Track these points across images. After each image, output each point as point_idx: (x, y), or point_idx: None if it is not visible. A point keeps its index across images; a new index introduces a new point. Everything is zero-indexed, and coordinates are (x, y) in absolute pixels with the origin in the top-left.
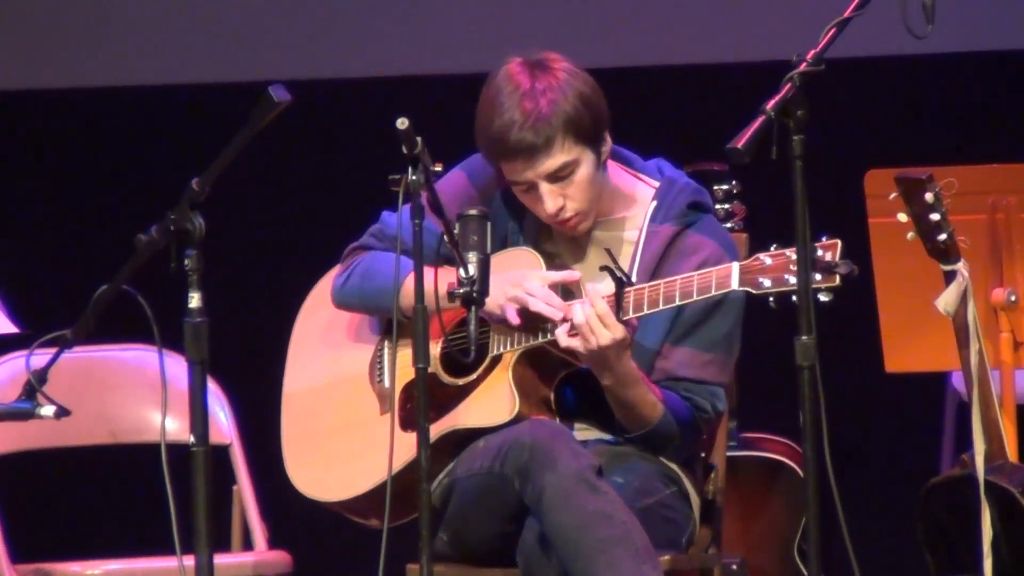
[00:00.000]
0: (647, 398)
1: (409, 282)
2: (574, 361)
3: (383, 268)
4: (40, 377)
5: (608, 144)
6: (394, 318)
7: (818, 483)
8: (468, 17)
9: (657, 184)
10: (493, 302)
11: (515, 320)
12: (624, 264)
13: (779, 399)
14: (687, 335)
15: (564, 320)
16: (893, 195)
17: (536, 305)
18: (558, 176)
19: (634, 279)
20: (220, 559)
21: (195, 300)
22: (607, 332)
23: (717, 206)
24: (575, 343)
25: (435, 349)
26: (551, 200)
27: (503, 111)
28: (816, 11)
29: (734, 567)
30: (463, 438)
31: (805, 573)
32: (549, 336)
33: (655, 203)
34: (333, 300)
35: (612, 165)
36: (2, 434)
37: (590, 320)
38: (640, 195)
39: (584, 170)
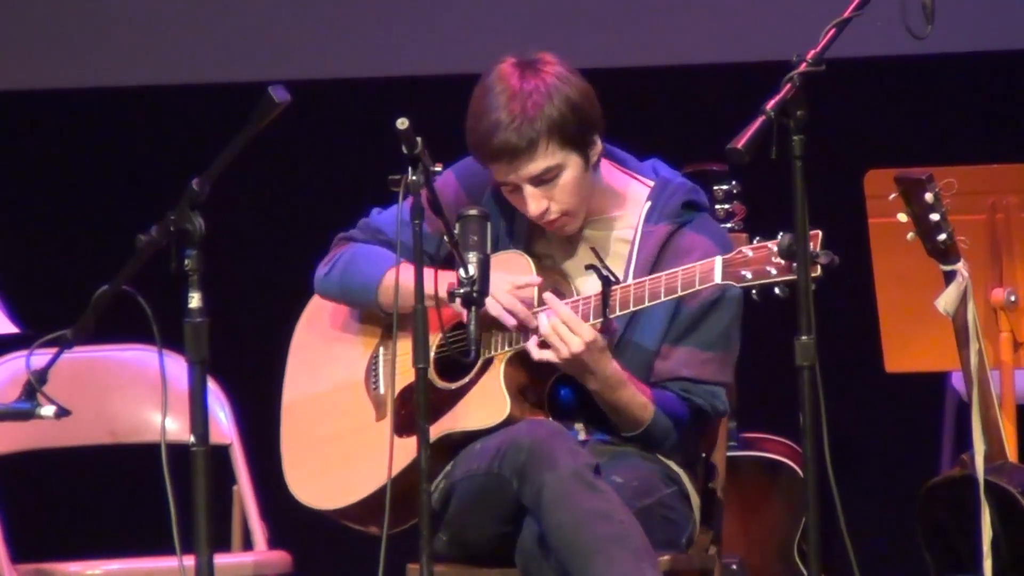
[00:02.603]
0: (636, 400)
1: (390, 277)
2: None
3: (364, 263)
4: (40, 377)
5: (598, 147)
6: (395, 324)
7: (818, 483)
8: (468, 17)
9: (651, 184)
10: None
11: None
12: (619, 264)
13: (779, 399)
14: (685, 335)
15: (523, 327)
16: (893, 195)
17: (495, 310)
18: (542, 180)
19: (630, 279)
20: (220, 559)
21: (195, 300)
22: (576, 337)
23: (717, 206)
24: (547, 354)
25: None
26: (534, 203)
27: (489, 112)
28: (816, 11)
29: (734, 567)
30: (458, 441)
31: (805, 573)
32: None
33: (649, 203)
34: (315, 288)
35: (605, 164)
36: (2, 434)
37: (556, 328)
38: (633, 194)
39: (569, 174)
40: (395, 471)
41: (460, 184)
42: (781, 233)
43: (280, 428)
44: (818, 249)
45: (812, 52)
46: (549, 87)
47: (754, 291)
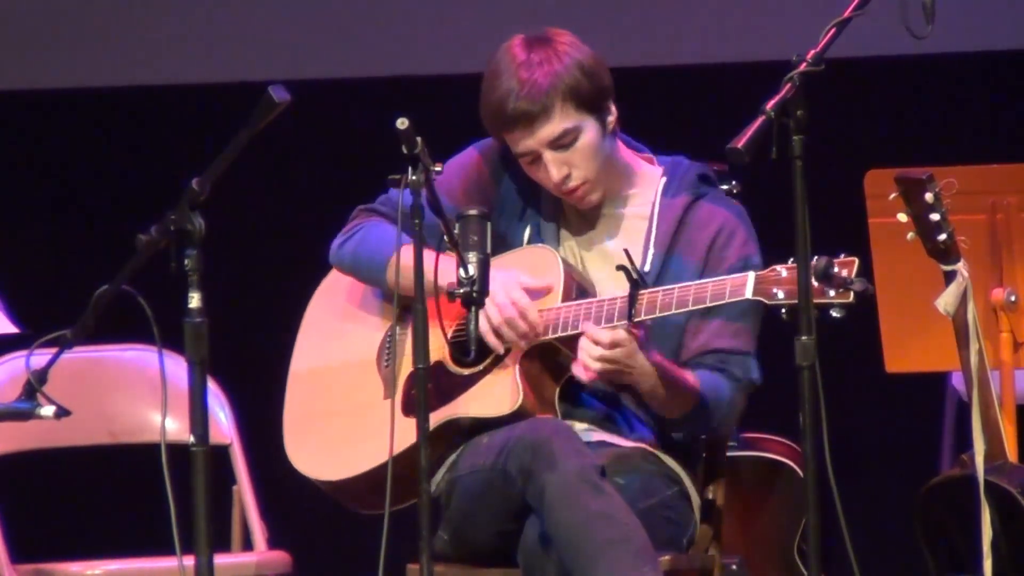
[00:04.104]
0: (680, 384)
1: (402, 255)
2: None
3: (379, 240)
4: (40, 377)
5: (613, 115)
6: (395, 304)
7: (818, 483)
8: (468, 17)
9: (662, 166)
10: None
11: (493, 341)
12: (637, 239)
13: (779, 399)
14: (714, 308)
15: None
16: (893, 195)
17: (500, 329)
18: (560, 144)
19: (650, 251)
20: (220, 559)
21: (195, 300)
22: (597, 364)
23: None
24: (591, 375)
25: (444, 340)
26: (555, 168)
27: (502, 82)
28: (816, 11)
29: (734, 567)
30: (464, 427)
31: (805, 573)
32: (559, 332)
33: (665, 178)
34: (330, 259)
35: (619, 144)
36: (2, 434)
37: (600, 358)
38: (647, 173)
39: (587, 138)
40: (397, 450)
41: (483, 158)
42: (816, 256)
43: (284, 395)
44: (854, 276)
45: (812, 52)
46: (560, 54)
47: (783, 310)
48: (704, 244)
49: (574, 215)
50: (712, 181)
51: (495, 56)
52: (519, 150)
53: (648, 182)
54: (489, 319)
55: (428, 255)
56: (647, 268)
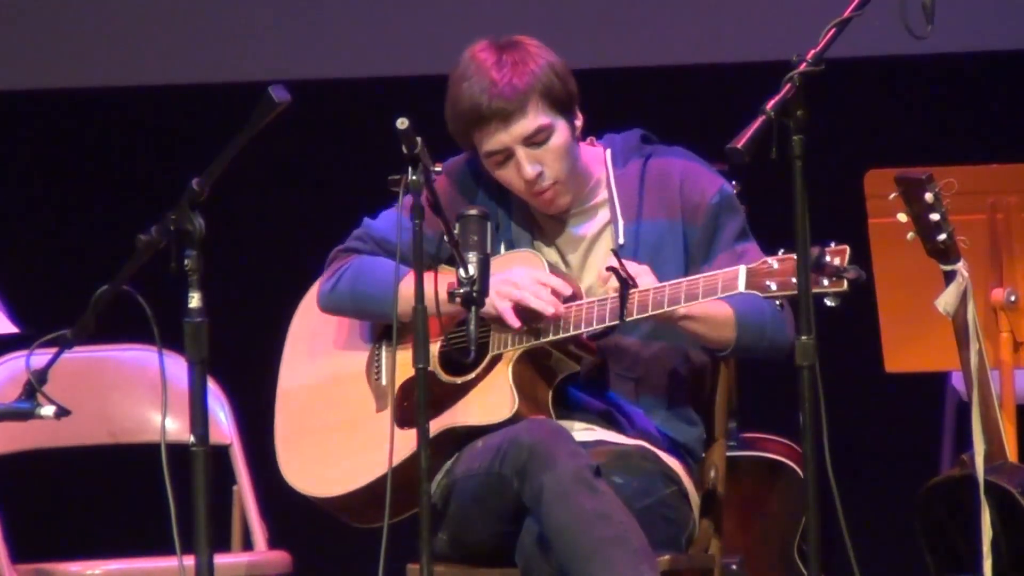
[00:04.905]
0: (711, 316)
1: (405, 287)
2: (573, 364)
3: (376, 272)
4: (40, 377)
5: (580, 121)
6: (395, 321)
7: (818, 483)
8: (468, 17)
9: (600, 144)
10: (487, 302)
11: (512, 319)
12: (605, 219)
13: (779, 399)
14: (711, 247)
15: (555, 315)
16: (893, 195)
17: (527, 300)
18: (534, 140)
19: (619, 221)
20: (220, 559)
21: (195, 300)
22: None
23: None
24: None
25: (434, 348)
26: (528, 165)
27: (474, 82)
28: (816, 11)
29: (734, 567)
30: (460, 436)
31: (805, 573)
32: (551, 336)
33: (610, 150)
34: (319, 304)
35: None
36: (2, 434)
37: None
38: (594, 157)
39: (559, 138)
40: (394, 463)
41: (451, 182)
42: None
43: (275, 413)
44: (846, 264)
45: (812, 52)
46: (534, 55)
47: (779, 302)
48: (674, 198)
49: (545, 221)
50: (652, 139)
51: (461, 63)
52: (491, 147)
53: (597, 165)
54: (511, 296)
55: (428, 276)
56: (621, 241)
